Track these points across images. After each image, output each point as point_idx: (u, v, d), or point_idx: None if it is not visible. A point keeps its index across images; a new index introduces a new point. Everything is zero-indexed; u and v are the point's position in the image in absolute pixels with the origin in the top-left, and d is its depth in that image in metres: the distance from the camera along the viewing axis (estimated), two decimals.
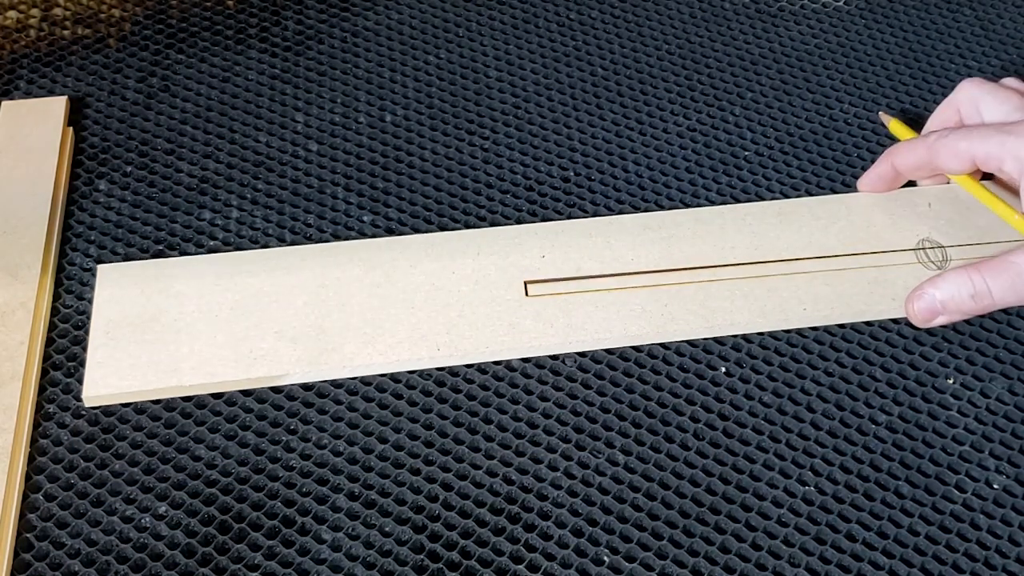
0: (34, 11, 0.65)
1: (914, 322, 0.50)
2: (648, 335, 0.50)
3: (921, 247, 0.53)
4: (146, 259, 0.53)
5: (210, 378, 0.48)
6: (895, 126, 0.58)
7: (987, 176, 0.55)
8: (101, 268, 0.52)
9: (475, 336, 0.50)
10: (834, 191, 0.57)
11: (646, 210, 0.56)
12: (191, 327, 0.50)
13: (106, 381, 0.48)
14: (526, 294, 0.51)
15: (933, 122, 0.56)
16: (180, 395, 0.48)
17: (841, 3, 0.69)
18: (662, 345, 0.51)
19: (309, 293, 0.51)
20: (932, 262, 0.52)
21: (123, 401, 0.48)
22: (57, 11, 0.65)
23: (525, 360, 0.50)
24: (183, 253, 0.54)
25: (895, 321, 0.52)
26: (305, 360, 0.49)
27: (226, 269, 0.52)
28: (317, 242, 0.54)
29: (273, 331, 0.50)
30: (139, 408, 0.48)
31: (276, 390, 0.49)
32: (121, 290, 0.51)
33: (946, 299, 0.49)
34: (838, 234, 0.54)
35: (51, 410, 0.48)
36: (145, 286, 0.51)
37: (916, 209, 0.55)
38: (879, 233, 0.54)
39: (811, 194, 0.57)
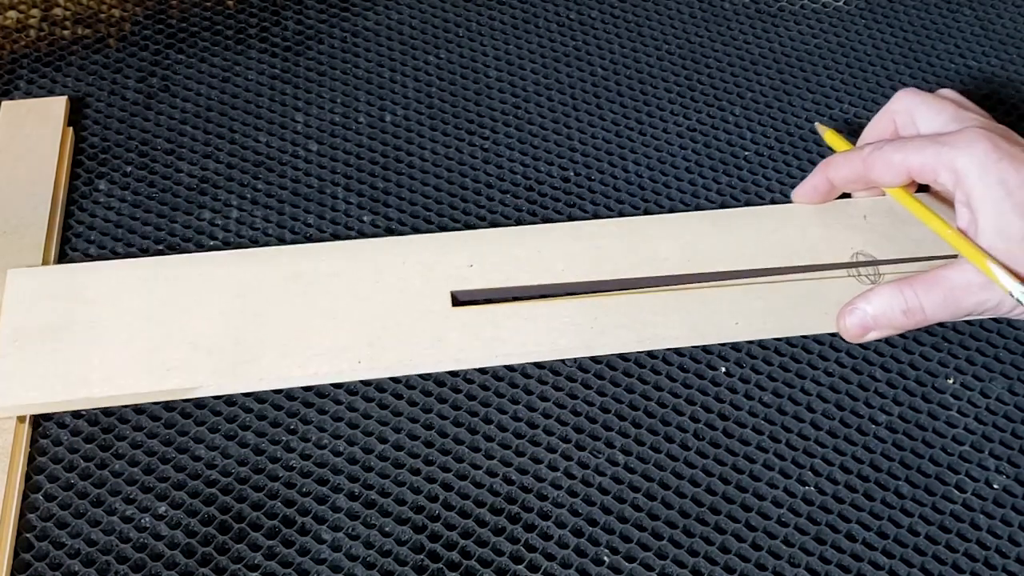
0: (34, 11, 0.65)
1: (845, 337, 0.50)
2: (577, 348, 0.49)
3: (854, 262, 0.53)
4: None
5: (120, 390, 0.47)
6: (830, 137, 0.56)
7: (922, 189, 0.54)
8: (11, 273, 0.50)
9: (398, 349, 0.48)
10: None
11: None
12: (103, 336, 0.48)
13: (12, 392, 0.46)
14: (453, 305, 0.50)
15: (868, 133, 0.54)
16: (89, 407, 0.47)
17: (841, 3, 0.69)
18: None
19: (226, 302, 0.49)
20: (865, 276, 0.52)
21: (30, 412, 0.47)
22: (57, 11, 0.65)
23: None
24: (183, 253, 0.54)
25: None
26: (219, 372, 0.47)
27: (141, 276, 0.50)
28: (317, 242, 0.54)
29: (187, 341, 0.48)
30: (139, 408, 0.48)
31: (276, 389, 0.49)
32: (31, 296, 0.49)
33: (878, 314, 0.48)
34: (771, 246, 0.53)
35: None
36: (57, 292, 0.49)
37: (851, 221, 0.54)
38: (814, 246, 0.53)
39: None
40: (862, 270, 0.52)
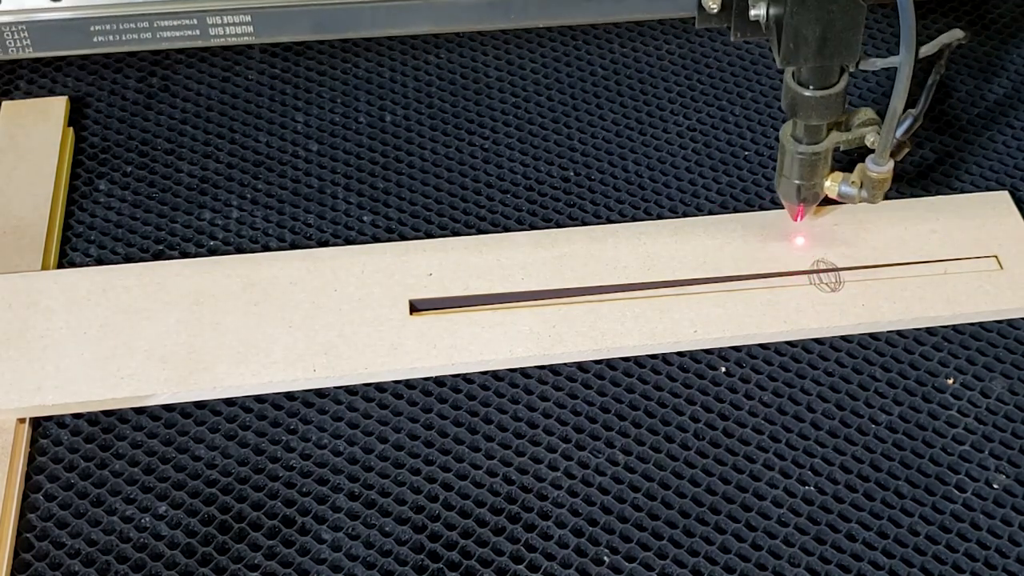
0: None
1: None
2: (534, 358, 0.49)
3: (815, 269, 0.53)
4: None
5: (73, 398, 0.47)
6: None
7: None
8: None
9: (354, 357, 0.48)
10: None
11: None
12: (58, 344, 0.48)
13: None
14: (410, 313, 0.50)
15: None
16: (42, 415, 0.47)
17: None
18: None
19: (183, 310, 0.49)
20: (826, 284, 0.52)
21: None
22: None
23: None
24: (183, 253, 0.54)
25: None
26: (173, 380, 0.47)
27: (98, 284, 0.50)
28: (318, 242, 0.54)
29: (143, 349, 0.48)
30: (139, 408, 0.48)
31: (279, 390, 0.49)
32: None
33: None
34: (732, 254, 0.53)
35: None
36: (13, 300, 0.50)
37: (813, 230, 0.54)
38: (774, 254, 0.53)
39: None
40: (823, 277, 0.52)
